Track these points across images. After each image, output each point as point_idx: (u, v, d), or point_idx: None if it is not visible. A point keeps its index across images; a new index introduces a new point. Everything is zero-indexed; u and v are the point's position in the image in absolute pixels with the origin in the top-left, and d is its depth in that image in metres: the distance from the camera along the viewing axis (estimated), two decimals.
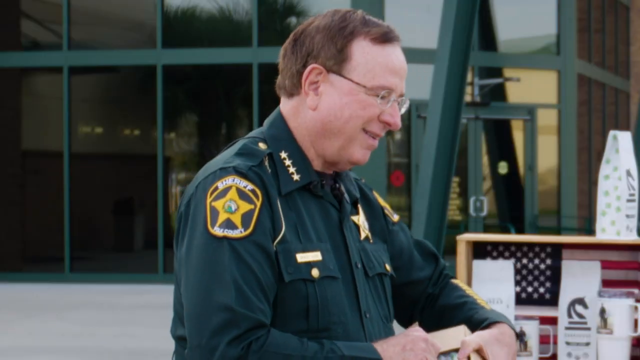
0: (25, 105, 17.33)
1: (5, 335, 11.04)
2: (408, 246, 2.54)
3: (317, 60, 2.28)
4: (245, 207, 2.18)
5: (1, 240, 17.06)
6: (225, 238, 2.16)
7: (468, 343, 2.33)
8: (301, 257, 2.22)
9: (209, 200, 2.19)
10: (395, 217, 2.55)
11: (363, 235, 2.41)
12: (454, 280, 2.58)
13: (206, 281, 2.16)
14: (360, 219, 2.43)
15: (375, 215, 2.49)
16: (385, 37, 2.29)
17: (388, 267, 2.45)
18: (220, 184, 2.20)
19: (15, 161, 17.23)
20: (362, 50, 2.27)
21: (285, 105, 2.36)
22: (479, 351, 2.34)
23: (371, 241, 2.43)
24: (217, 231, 2.17)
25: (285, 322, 2.20)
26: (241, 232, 2.17)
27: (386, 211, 2.53)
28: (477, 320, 2.43)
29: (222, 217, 2.17)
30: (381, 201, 2.54)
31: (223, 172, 2.22)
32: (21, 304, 13.75)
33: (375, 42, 2.28)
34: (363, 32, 2.28)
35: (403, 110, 2.34)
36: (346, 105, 2.27)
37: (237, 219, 2.17)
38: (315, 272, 2.22)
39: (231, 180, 2.20)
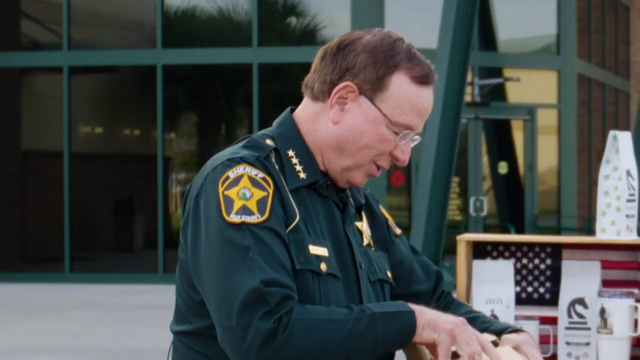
0: (25, 105, 17.34)
1: (5, 335, 11.04)
2: (408, 258, 2.57)
3: (354, 79, 2.29)
4: (259, 194, 2.20)
5: (1, 240, 17.07)
6: (243, 224, 2.17)
7: (509, 339, 2.38)
8: (313, 249, 2.24)
9: (220, 189, 2.20)
10: (398, 231, 2.58)
11: (365, 242, 2.43)
12: (459, 300, 2.62)
13: (228, 265, 2.16)
14: (364, 225, 2.45)
15: (377, 224, 2.51)
16: (425, 79, 2.31)
17: (389, 274, 2.47)
18: (232, 173, 2.21)
19: (15, 161, 17.24)
20: (399, 85, 2.29)
21: (306, 107, 2.37)
22: (516, 349, 2.38)
23: (373, 248, 2.45)
24: (235, 218, 2.17)
25: None
26: (258, 217, 2.18)
27: (389, 222, 2.56)
28: (496, 330, 2.45)
29: (238, 204, 2.18)
30: (385, 213, 2.57)
31: (232, 162, 2.23)
32: (21, 304, 13.75)
33: (414, 80, 2.30)
34: (406, 67, 2.29)
35: (413, 144, 2.37)
36: (366, 133, 2.30)
37: (252, 205, 2.19)
38: (323, 266, 2.24)
39: (242, 169, 2.21)
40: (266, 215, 2.18)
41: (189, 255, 2.25)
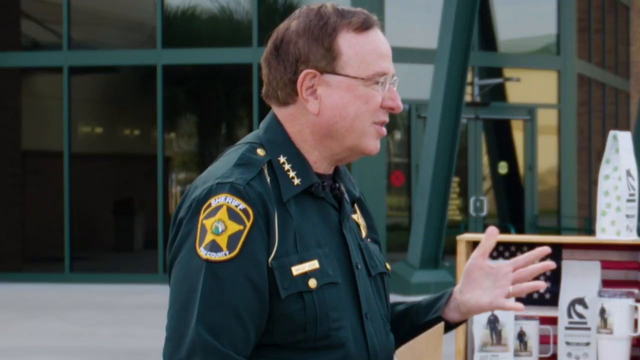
0: (25, 105, 17.34)
1: (5, 335, 11.04)
2: None
3: (307, 64, 2.24)
4: (233, 227, 2.15)
5: (1, 240, 17.07)
6: (207, 261, 2.13)
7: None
8: (296, 270, 2.19)
9: (201, 217, 2.17)
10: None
11: (364, 234, 2.40)
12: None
13: (180, 304, 2.15)
14: (360, 217, 2.42)
15: (369, 217, 2.48)
16: (367, 24, 2.27)
17: (388, 265, 2.44)
18: (214, 201, 2.16)
19: (15, 161, 17.24)
20: (348, 43, 2.24)
21: (280, 113, 2.31)
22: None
23: (369, 240, 2.42)
24: (202, 252, 2.14)
25: (283, 335, 2.18)
26: (225, 254, 2.13)
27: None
28: (430, 300, 2.47)
29: (209, 238, 2.14)
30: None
31: (219, 187, 2.18)
32: (21, 304, 13.75)
33: (358, 31, 2.25)
34: (344, 24, 2.25)
35: (396, 87, 2.32)
36: (349, 103, 2.25)
37: (223, 241, 2.14)
38: (312, 283, 2.20)
39: (223, 199, 2.16)
40: (235, 252, 2.13)
41: (168, 269, 2.26)
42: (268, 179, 2.23)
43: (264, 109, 16.09)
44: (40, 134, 17.49)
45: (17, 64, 17.21)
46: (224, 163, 2.26)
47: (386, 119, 2.30)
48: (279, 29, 2.30)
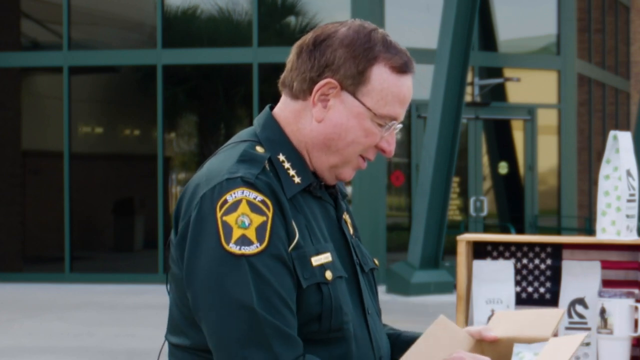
0: (25, 105, 17.34)
1: (5, 335, 11.04)
2: None
3: (334, 74, 2.25)
4: (257, 219, 2.15)
5: (1, 240, 17.07)
6: (243, 256, 2.13)
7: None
8: (315, 261, 2.21)
9: (219, 214, 2.15)
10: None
11: (351, 231, 2.43)
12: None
13: (227, 305, 2.13)
14: (347, 215, 2.44)
15: (351, 214, 2.50)
16: (404, 68, 2.28)
17: (377, 261, 2.47)
18: (230, 197, 2.15)
19: (15, 161, 17.24)
20: (380, 77, 2.25)
21: (287, 106, 2.32)
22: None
23: (354, 237, 2.44)
24: (234, 248, 2.13)
25: (299, 326, 2.18)
26: (257, 246, 2.13)
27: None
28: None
29: (237, 233, 2.13)
30: None
31: (230, 183, 2.17)
32: (21, 304, 13.75)
33: (394, 70, 2.26)
34: (385, 57, 2.26)
35: (395, 132, 2.34)
36: (351, 128, 2.26)
37: (251, 234, 2.14)
38: (328, 274, 2.22)
39: (240, 193, 2.16)
40: (265, 243, 2.14)
41: (184, 273, 2.20)
42: (271, 175, 2.23)
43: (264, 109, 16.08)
44: (40, 134, 17.49)
45: (17, 64, 17.21)
46: (224, 160, 2.25)
47: (373, 157, 2.34)
48: (327, 28, 2.30)
